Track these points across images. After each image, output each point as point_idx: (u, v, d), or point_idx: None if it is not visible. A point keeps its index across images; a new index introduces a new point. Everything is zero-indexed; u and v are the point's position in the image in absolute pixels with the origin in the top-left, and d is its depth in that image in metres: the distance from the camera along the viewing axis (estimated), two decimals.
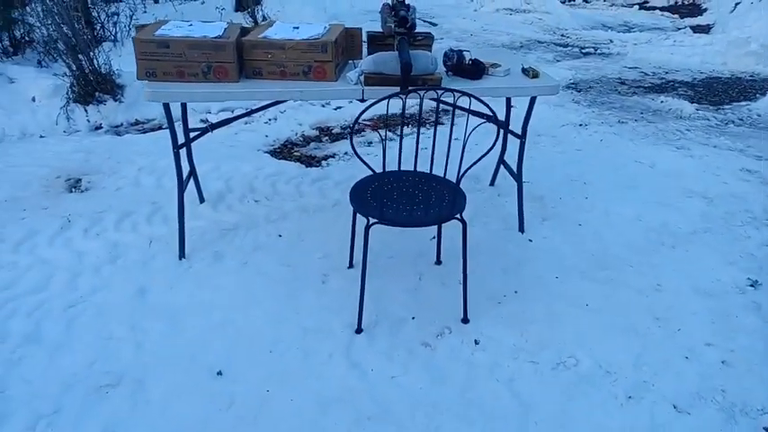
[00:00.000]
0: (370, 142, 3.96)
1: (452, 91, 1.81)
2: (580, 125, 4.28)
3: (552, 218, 2.89)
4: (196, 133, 2.53)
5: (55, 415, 1.72)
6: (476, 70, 2.34)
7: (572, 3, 12.78)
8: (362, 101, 2.19)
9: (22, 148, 3.68)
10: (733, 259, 2.58)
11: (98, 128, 4.17)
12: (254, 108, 2.69)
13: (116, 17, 5.32)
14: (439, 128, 4.02)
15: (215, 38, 2.13)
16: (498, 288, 2.35)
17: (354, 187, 2.11)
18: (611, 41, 7.60)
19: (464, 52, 2.38)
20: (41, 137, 3.92)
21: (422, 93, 1.88)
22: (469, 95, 1.85)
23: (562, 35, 8.47)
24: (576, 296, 2.31)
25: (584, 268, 2.49)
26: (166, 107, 2.24)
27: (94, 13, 5.22)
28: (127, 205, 2.88)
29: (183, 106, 2.57)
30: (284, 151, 3.82)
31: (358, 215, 2.09)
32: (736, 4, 9.56)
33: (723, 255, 2.62)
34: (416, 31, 2.69)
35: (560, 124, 4.27)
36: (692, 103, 4.79)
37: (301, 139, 4.05)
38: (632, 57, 6.53)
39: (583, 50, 7.07)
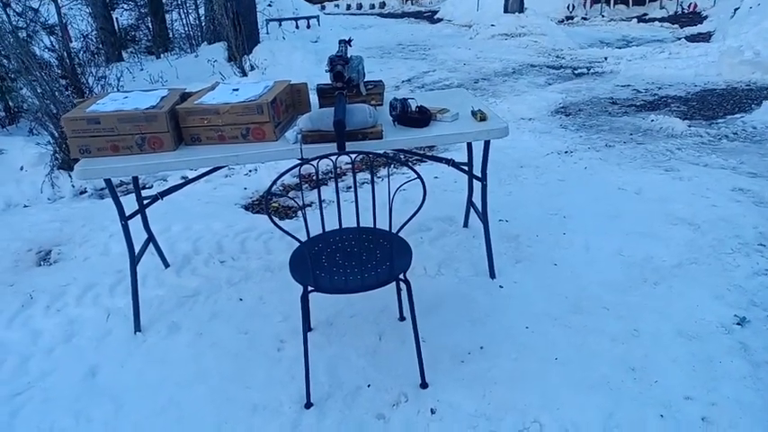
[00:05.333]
0: (349, 187, 3.89)
1: (365, 153, 1.73)
2: (565, 152, 4.14)
3: (527, 259, 2.75)
4: (147, 201, 2.48)
5: None
6: (422, 118, 2.26)
7: (571, 21, 12.73)
8: (302, 160, 2.12)
9: (2, 220, 3.70)
10: (720, 293, 2.40)
11: (83, 192, 4.20)
12: (200, 173, 2.64)
13: (104, 80, 5.42)
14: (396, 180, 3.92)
15: (146, 109, 2.09)
16: (463, 344, 2.21)
17: (295, 252, 2.02)
18: (606, 59, 7.47)
19: (409, 100, 2.31)
20: (25, 206, 3.95)
21: (353, 156, 1.83)
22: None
23: (557, 56, 8.38)
24: (545, 348, 2.15)
25: (557, 314, 2.34)
26: (108, 181, 2.21)
27: (83, 79, 5.32)
28: (92, 276, 2.83)
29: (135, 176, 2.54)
30: (263, 203, 3.77)
31: None
32: (736, 9, 9.37)
33: (709, 289, 2.43)
34: (367, 80, 2.64)
35: (545, 153, 4.15)
36: (684, 119, 4.61)
37: (281, 188, 4.00)
38: (625, 74, 6.39)
39: (575, 71, 6.96)
